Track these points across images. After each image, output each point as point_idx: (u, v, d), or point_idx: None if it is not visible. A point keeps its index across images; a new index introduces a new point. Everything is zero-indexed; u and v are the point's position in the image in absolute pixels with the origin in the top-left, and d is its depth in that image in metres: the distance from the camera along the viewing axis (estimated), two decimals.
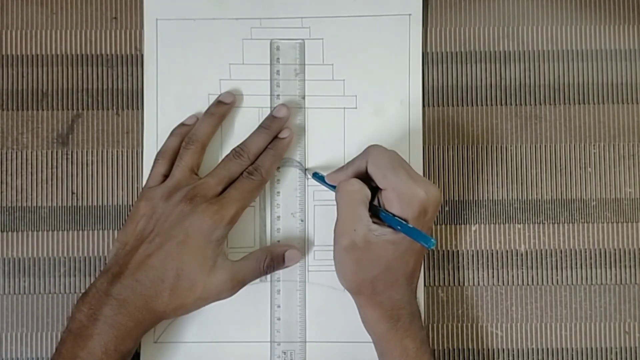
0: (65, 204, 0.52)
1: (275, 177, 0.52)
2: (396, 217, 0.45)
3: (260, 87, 0.52)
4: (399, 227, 0.44)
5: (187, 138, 0.50)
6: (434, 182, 0.52)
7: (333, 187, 0.48)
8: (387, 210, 0.45)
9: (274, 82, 0.52)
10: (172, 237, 0.46)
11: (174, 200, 0.47)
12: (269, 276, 0.52)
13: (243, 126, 0.52)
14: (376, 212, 0.46)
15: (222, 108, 0.52)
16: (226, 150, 0.52)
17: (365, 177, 0.47)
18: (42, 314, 0.52)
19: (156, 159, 0.51)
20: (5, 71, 0.53)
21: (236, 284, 0.48)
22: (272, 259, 0.50)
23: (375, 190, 0.47)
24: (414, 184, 0.44)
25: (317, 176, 0.51)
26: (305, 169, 0.52)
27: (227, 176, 0.49)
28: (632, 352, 0.52)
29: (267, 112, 0.52)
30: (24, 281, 0.52)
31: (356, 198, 0.46)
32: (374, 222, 0.45)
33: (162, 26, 0.53)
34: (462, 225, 0.52)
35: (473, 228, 0.52)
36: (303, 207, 0.52)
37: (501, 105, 0.53)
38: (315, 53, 0.53)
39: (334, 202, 0.47)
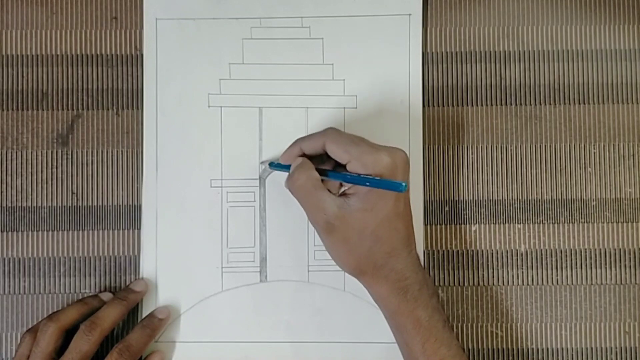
0: (65, 204, 0.52)
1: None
2: (361, 175, 0.44)
3: (260, 87, 0.53)
4: (367, 183, 0.44)
5: (90, 322, 0.48)
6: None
7: (288, 167, 0.48)
8: (351, 172, 0.45)
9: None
10: None
11: None
12: (268, 276, 0.52)
13: (243, 126, 0.52)
14: (342, 178, 0.45)
15: (133, 295, 0.50)
16: (226, 151, 0.52)
17: (316, 158, 0.47)
18: (42, 314, 0.52)
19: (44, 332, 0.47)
20: (5, 71, 0.53)
21: None
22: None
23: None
24: (376, 151, 0.44)
25: (274, 165, 0.50)
26: (261, 163, 0.52)
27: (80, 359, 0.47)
28: (632, 352, 0.52)
29: (268, 112, 0.52)
30: (24, 281, 0.52)
31: (308, 187, 0.45)
32: (340, 197, 0.45)
33: (162, 26, 0.53)
34: (462, 225, 0.52)
35: (473, 228, 0.52)
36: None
37: (501, 105, 0.53)
38: (315, 53, 0.53)
39: None
